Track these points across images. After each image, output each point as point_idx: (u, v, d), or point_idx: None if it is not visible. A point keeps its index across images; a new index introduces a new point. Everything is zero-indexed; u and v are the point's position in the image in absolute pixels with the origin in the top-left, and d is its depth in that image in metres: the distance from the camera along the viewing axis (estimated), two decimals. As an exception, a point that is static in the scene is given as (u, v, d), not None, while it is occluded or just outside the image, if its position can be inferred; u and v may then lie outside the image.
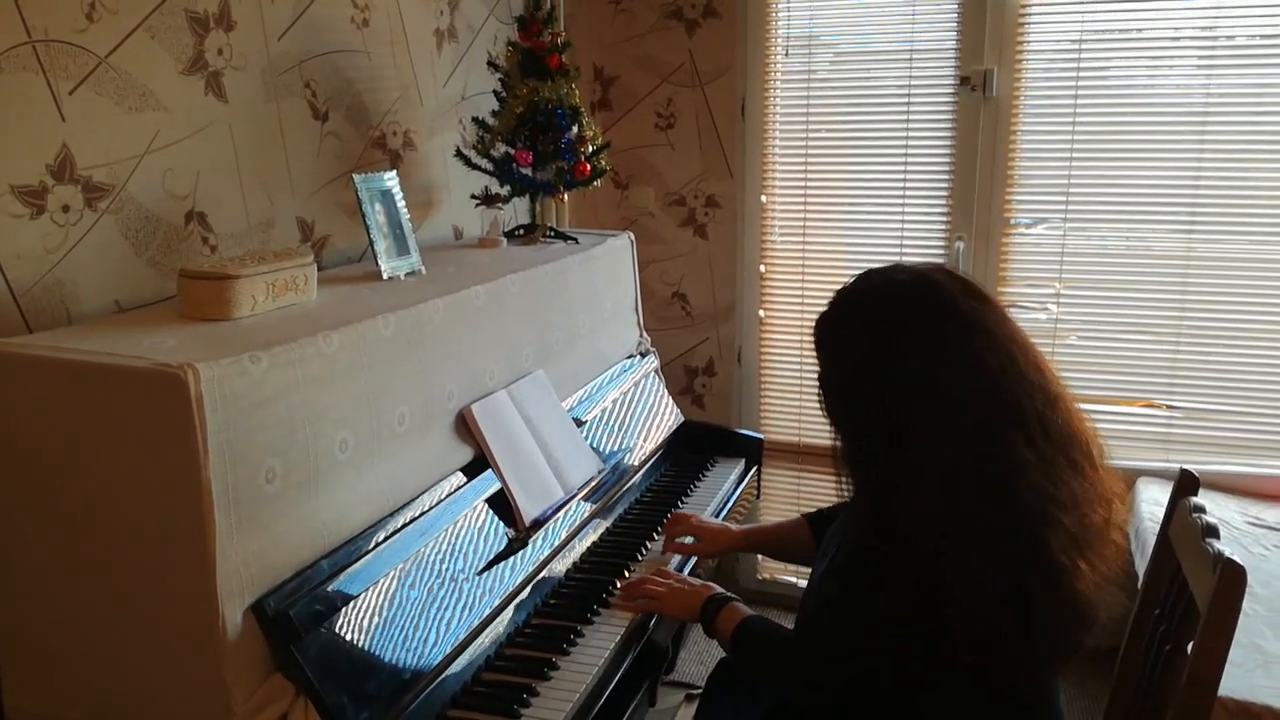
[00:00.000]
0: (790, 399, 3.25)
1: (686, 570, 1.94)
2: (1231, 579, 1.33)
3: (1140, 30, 2.72)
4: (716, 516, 2.25)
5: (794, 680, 1.52)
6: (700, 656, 3.00)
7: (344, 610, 1.37)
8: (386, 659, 1.40)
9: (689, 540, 2.00)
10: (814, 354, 1.47)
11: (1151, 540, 2.39)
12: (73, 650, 1.34)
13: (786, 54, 3.07)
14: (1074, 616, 1.28)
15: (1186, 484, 1.64)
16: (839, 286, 1.47)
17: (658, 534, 2.07)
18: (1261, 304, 2.72)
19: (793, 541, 1.91)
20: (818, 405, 1.44)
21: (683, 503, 2.27)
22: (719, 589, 1.71)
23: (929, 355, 1.30)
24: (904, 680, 1.33)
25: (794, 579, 3.30)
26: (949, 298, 1.33)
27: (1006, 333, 1.33)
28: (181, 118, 1.76)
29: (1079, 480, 1.29)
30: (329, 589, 1.37)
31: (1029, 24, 2.79)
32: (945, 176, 2.94)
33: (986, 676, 1.29)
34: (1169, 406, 2.83)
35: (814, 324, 1.46)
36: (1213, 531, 1.44)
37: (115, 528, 1.28)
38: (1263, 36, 2.62)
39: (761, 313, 3.23)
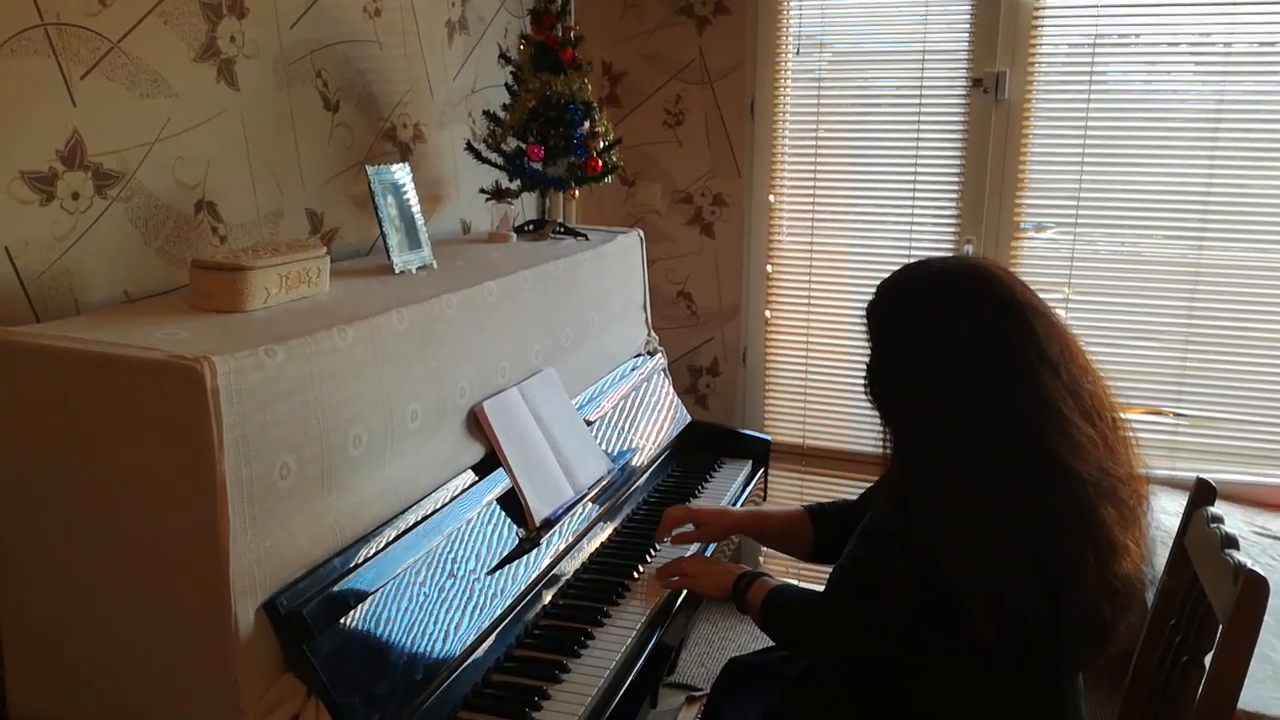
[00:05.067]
0: (795, 400, 3.23)
1: (708, 554, 1.98)
2: (1254, 590, 1.32)
3: (1153, 36, 2.71)
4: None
5: (819, 647, 1.56)
6: (701, 658, 2.98)
7: (356, 609, 1.35)
8: (398, 659, 1.38)
9: (690, 529, 1.96)
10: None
11: (1159, 548, 2.39)
12: (79, 647, 1.32)
13: (797, 52, 3.05)
14: (1114, 597, 1.29)
15: (1203, 493, 1.63)
16: (882, 277, 1.50)
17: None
18: (1271, 312, 2.71)
19: (793, 531, 1.90)
20: (864, 392, 1.47)
21: (690, 504, 2.24)
22: (749, 568, 1.76)
23: (994, 336, 1.33)
24: (922, 649, 1.35)
25: (793, 581, 3.29)
26: (1008, 286, 1.37)
27: (1059, 322, 1.38)
28: (193, 105, 1.73)
29: (1124, 459, 1.35)
30: (341, 587, 1.34)
31: (1042, 27, 2.78)
32: (955, 179, 2.93)
33: (1008, 654, 1.30)
34: (1176, 414, 2.82)
35: (866, 311, 1.48)
36: (1232, 542, 1.43)
37: (125, 523, 1.25)
38: (1276, 45, 2.61)
39: (767, 313, 3.21)
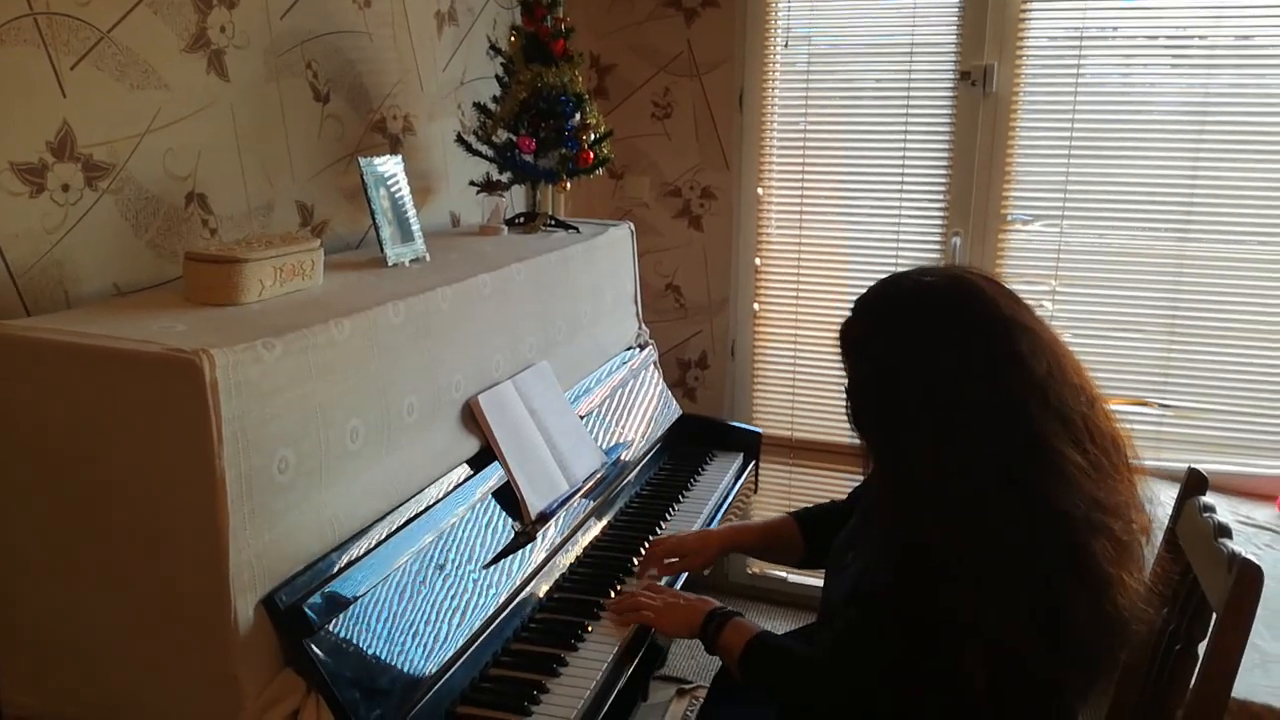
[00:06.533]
0: (783, 393, 3.24)
1: (679, 584, 1.86)
2: (1248, 579, 1.32)
3: (1138, 30, 2.73)
4: (716, 511, 2.24)
5: (811, 702, 1.46)
6: (691, 651, 2.99)
7: (355, 604, 1.34)
8: (397, 654, 1.37)
9: (675, 560, 1.87)
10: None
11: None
12: (75, 644, 1.30)
13: (786, 45, 3.05)
14: (1111, 631, 1.23)
15: (1195, 483, 1.64)
16: (859, 292, 1.41)
17: (660, 528, 2.05)
18: (1254, 304, 2.73)
19: (780, 541, 1.85)
20: (845, 414, 1.40)
21: (683, 497, 2.25)
22: (718, 603, 1.63)
23: (975, 359, 1.24)
24: (925, 705, 1.28)
25: (783, 574, 3.30)
26: (990, 300, 1.28)
27: (1048, 335, 1.29)
28: (183, 96, 1.71)
29: (1123, 485, 1.27)
30: (340, 582, 1.33)
31: (1030, 20, 2.79)
32: (943, 172, 2.94)
33: (1005, 697, 1.23)
34: (1161, 405, 2.85)
35: (840, 332, 1.40)
36: (1225, 531, 1.44)
37: (122, 519, 1.24)
38: (1262, 38, 2.63)
39: (756, 306, 3.22)
